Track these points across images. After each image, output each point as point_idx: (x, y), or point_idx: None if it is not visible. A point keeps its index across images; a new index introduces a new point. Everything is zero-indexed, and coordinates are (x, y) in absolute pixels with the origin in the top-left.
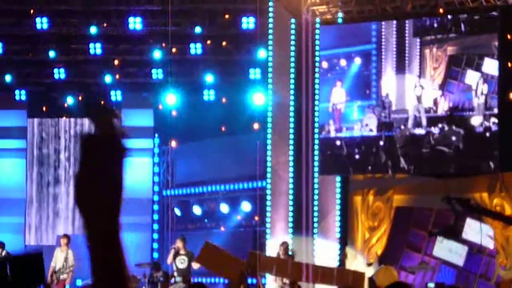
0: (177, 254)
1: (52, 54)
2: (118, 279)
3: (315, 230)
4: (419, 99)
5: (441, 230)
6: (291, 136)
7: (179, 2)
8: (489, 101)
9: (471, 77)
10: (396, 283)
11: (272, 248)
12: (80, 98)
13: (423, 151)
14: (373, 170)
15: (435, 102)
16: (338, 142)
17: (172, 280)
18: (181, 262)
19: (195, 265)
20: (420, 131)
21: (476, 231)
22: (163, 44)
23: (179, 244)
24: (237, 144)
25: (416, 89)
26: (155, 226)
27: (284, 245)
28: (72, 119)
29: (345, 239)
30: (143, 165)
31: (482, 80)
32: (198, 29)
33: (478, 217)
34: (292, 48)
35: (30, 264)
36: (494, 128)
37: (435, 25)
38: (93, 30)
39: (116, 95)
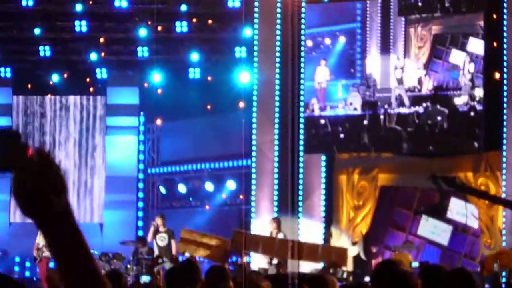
0: (156, 231)
1: (37, 31)
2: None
3: (300, 209)
4: (399, 81)
5: (427, 209)
6: (276, 115)
7: None
8: (474, 80)
9: (456, 56)
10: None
11: (257, 227)
12: (65, 75)
13: (407, 130)
14: (357, 149)
15: (420, 81)
16: (322, 121)
17: (160, 260)
18: (161, 240)
19: (174, 245)
20: (404, 110)
21: (461, 210)
22: (149, 22)
23: (158, 221)
24: (222, 122)
25: (397, 71)
26: (140, 204)
27: (276, 221)
28: (58, 97)
29: (330, 218)
30: (128, 143)
31: (468, 59)
32: (184, 7)
33: (463, 196)
34: (278, 26)
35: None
36: (478, 107)
37: (420, 4)
38: (78, 7)
39: (101, 73)
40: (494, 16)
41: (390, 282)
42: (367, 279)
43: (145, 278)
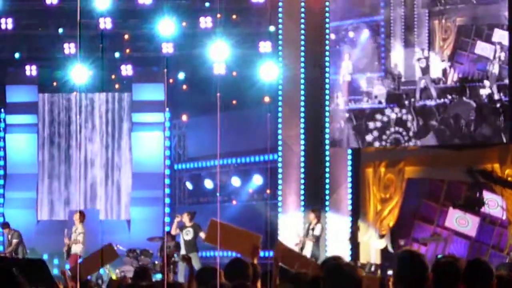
0: (183, 227)
1: (61, 29)
2: None
3: (327, 203)
4: (424, 70)
5: (465, 202)
6: (302, 109)
7: None
8: (501, 71)
9: (481, 48)
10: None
11: (284, 221)
12: (90, 73)
13: (433, 122)
14: (384, 142)
15: (444, 73)
16: (347, 114)
17: (183, 231)
18: (187, 234)
19: (203, 236)
20: (430, 102)
21: (489, 202)
22: (173, 18)
23: (184, 217)
24: (248, 117)
25: (421, 61)
26: (167, 200)
27: (316, 212)
28: (83, 94)
29: (357, 211)
30: (154, 139)
31: (499, 48)
32: (207, 3)
33: (491, 188)
34: (302, 20)
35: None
36: (504, 99)
37: None
38: (102, 4)
39: (126, 70)
40: None
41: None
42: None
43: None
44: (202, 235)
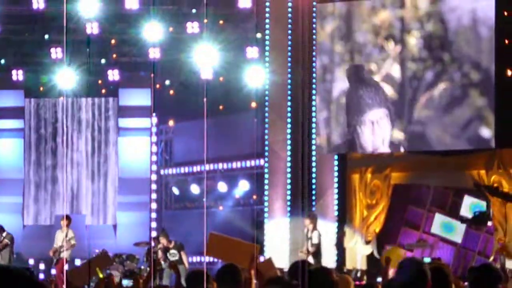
0: (166, 249)
1: (48, 34)
2: None
3: (313, 209)
4: None
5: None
6: (289, 115)
7: None
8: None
9: None
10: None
11: (270, 227)
12: (77, 78)
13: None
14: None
15: None
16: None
17: (168, 254)
18: (173, 256)
19: (184, 257)
20: None
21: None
22: (160, 23)
23: (162, 240)
24: (235, 122)
25: None
26: (153, 205)
27: (312, 217)
28: (70, 99)
29: (343, 217)
30: (140, 144)
31: None
32: (194, 9)
33: (475, 194)
34: (289, 26)
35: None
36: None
37: None
38: (89, 9)
39: (113, 75)
40: None
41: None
42: (379, 279)
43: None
44: (183, 254)
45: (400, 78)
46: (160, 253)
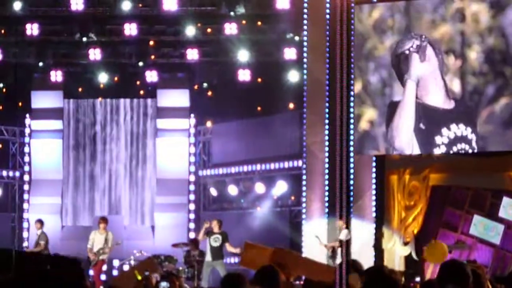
0: (211, 233)
1: (87, 35)
2: None
3: (351, 210)
4: None
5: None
6: (326, 116)
7: None
8: None
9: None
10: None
11: (308, 228)
12: (115, 79)
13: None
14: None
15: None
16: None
17: (211, 237)
18: (215, 241)
19: (229, 248)
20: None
21: None
22: (198, 24)
23: (214, 225)
24: (272, 123)
25: None
26: (191, 206)
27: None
28: (108, 100)
29: (381, 218)
30: (179, 145)
31: None
32: (232, 10)
33: None
34: (327, 27)
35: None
36: None
37: None
38: (128, 10)
39: (151, 76)
40: None
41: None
42: (417, 279)
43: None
44: (228, 245)
45: (460, 92)
46: (202, 231)
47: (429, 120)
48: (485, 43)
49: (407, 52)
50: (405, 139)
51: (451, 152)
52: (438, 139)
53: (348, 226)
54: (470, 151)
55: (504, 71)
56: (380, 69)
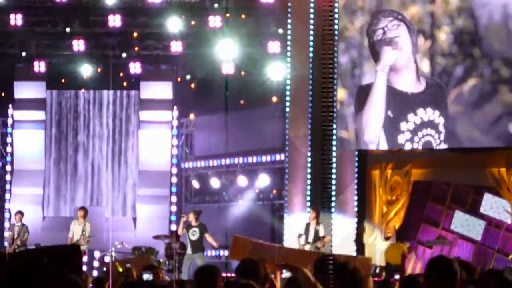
0: (189, 226)
1: (70, 26)
2: None
3: (333, 204)
4: None
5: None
6: (309, 110)
7: None
8: None
9: None
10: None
11: (290, 222)
12: (99, 70)
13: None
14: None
15: None
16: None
17: (189, 231)
18: (193, 234)
19: (209, 239)
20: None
21: (494, 205)
22: (182, 16)
23: (190, 216)
24: (255, 117)
25: None
26: (173, 199)
27: (315, 211)
28: (91, 91)
29: (363, 213)
30: (161, 138)
31: None
32: (216, 2)
33: (496, 192)
34: (311, 21)
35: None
36: None
37: None
38: (112, 2)
39: (135, 67)
40: None
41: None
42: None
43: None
44: (207, 236)
45: (429, 73)
46: (180, 226)
47: (398, 106)
48: (455, 24)
49: (380, 32)
50: (374, 129)
51: (416, 138)
52: (403, 126)
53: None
54: (437, 135)
55: (472, 52)
56: (350, 50)
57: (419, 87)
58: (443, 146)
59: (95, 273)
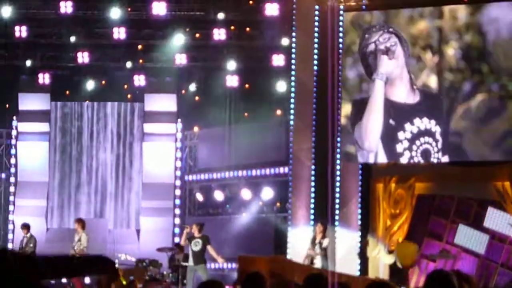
0: (192, 237)
1: (75, 38)
2: None
3: (337, 217)
4: None
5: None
6: (314, 123)
7: None
8: None
9: None
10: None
11: (294, 235)
12: (103, 82)
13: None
14: (393, 158)
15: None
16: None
17: (192, 242)
18: (195, 245)
19: (211, 251)
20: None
21: (498, 219)
22: (187, 29)
23: (194, 229)
24: (260, 130)
25: None
26: (177, 211)
27: (323, 226)
28: (95, 103)
29: (367, 226)
30: (165, 150)
31: None
32: (221, 15)
33: (500, 206)
34: (316, 34)
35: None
36: None
37: None
38: (116, 14)
39: (139, 80)
40: None
41: None
42: None
43: None
44: (209, 248)
45: (437, 88)
46: (183, 237)
47: (394, 116)
48: (463, 39)
49: (373, 46)
50: (373, 138)
51: (414, 146)
52: (400, 135)
53: (325, 234)
54: (434, 143)
55: (480, 68)
56: (357, 65)
57: (413, 98)
58: (441, 154)
59: None
